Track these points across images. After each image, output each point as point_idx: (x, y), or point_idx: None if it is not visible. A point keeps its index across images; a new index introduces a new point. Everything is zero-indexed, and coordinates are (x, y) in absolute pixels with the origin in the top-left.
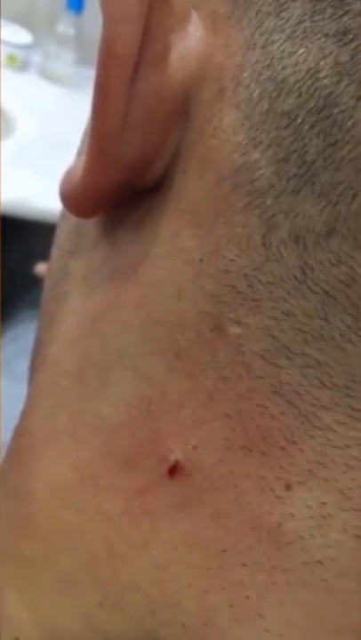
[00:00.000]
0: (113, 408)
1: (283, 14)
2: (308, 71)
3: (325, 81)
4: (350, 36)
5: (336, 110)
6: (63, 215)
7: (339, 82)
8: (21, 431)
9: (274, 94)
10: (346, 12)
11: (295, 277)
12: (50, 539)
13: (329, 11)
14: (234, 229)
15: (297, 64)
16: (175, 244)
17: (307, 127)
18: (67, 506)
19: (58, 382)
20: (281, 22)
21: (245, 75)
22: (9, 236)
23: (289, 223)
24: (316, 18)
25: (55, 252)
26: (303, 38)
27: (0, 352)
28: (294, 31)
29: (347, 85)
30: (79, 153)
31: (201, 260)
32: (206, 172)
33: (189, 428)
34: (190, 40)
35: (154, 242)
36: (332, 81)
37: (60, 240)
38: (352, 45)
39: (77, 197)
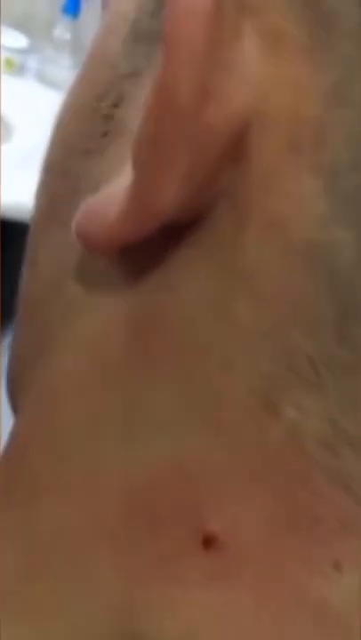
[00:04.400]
0: (141, 467)
1: None
2: None
3: None
4: None
5: None
6: (47, 231)
7: None
8: (17, 462)
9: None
10: None
11: None
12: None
13: None
14: (303, 309)
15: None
16: (225, 309)
17: None
18: (78, 556)
19: (61, 425)
20: None
21: (332, 134)
22: (8, 240)
23: None
24: None
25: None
26: None
27: (0, 356)
28: None
29: None
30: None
31: (257, 335)
32: (273, 237)
33: (229, 501)
34: (245, 62)
35: (197, 299)
36: None
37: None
38: None
39: (110, 241)
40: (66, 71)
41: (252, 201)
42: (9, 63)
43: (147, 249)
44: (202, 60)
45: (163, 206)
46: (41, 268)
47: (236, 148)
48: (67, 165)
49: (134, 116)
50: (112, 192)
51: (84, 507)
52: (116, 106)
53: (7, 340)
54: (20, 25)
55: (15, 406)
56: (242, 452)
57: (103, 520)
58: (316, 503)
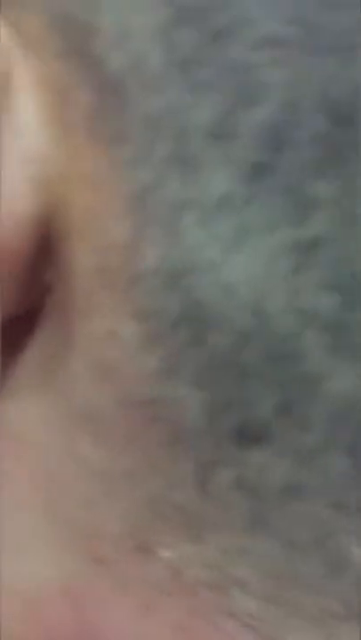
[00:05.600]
0: (31, 585)
1: (201, 179)
2: (253, 302)
3: (281, 323)
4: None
5: (303, 363)
6: None
7: (301, 326)
8: None
9: (197, 324)
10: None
11: (249, 522)
12: None
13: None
14: (155, 461)
15: (229, 290)
16: (71, 447)
17: (257, 376)
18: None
19: None
20: (196, 192)
21: (144, 266)
22: None
23: (235, 473)
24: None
25: None
26: (241, 242)
27: None
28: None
29: (315, 333)
30: None
31: (114, 478)
32: (105, 384)
33: (127, 628)
34: (23, 135)
35: (42, 426)
36: (293, 323)
37: None
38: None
39: None
40: None
41: (73, 323)
42: None
43: None
44: None
45: None
46: None
47: (48, 253)
48: None
49: None
50: None
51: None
52: None
53: None
54: None
55: None
56: (128, 586)
57: (5, 625)
58: (216, 636)
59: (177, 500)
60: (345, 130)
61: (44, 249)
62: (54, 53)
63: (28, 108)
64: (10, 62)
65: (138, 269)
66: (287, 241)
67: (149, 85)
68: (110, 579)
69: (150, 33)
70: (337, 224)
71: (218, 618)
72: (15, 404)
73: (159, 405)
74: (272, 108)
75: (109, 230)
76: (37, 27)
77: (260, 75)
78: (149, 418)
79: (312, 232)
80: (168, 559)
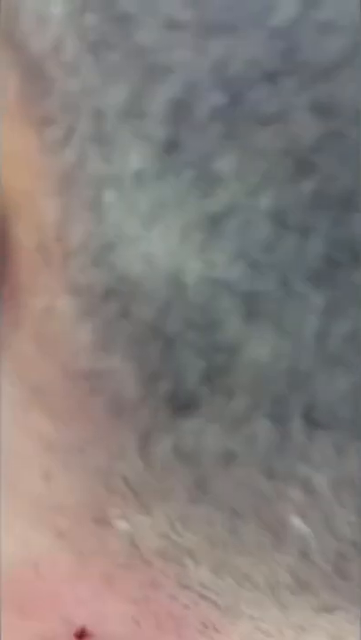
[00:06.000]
0: (5, 561)
1: (118, 157)
2: (172, 274)
3: (198, 293)
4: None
5: (221, 331)
6: None
7: (216, 295)
8: None
9: (125, 295)
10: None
11: (190, 490)
12: None
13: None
14: (101, 434)
15: (149, 263)
16: (26, 422)
17: (181, 346)
18: None
19: None
20: (115, 170)
21: (75, 242)
22: None
23: (172, 440)
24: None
25: None
26: (156, 215)
27: None
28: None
29: (229, 302)
30: None
31: (66, 450)
32: (51, 354)
33: (91, 601)
34: None
35: (0, 409)
36: (208, 293)
37: None
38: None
39: None
40: None
41: (20, 300)
42: None
43: None
44: None
45: None
46: None
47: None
48: None
49: None
50: None
51: None
52: None
53: None
54: None
55: None
56: (88, 559)
57: None
58: (174, 607)
59: (125, 470)
60: (240, 105)
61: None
62: None
63: None
64: None
65: (70, 246)
66: (197, 214)
67: (67, 69)
68: (73, 553)
69: (65, 19)
70: (240, 196)
71: (174, 590)
72: None
73: (98, 377)
74: (175, 88)
75: (43, 210)
76: None
77: (163, 56)
78: (90, 390)
79: (218, 205)
80: (124, 531)
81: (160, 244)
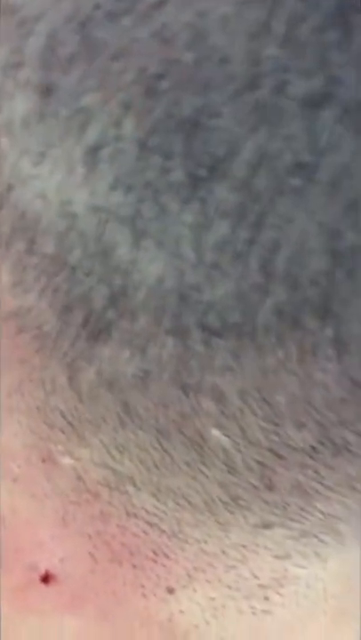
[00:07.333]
0: None
1: (7, 106)
2: (63, 207)
3: (87, 223)
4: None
5: (115, 256)
6: None
7: (104, 222)
8: None
9: (27, 233)
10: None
11: (119, 416)
12: None
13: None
14: (33, 371)
15: (43, 198)
16: None
17: (83, 274)
18: None
19: None
20: (6, 117)
21: None
22: None
23: (94, 368)
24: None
25: None
26: (44, 154)
27: None
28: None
29: (116, 227)
30: None
31: (8, 396)
32: None
33: (50, 543)
34: None
35: None
36: (96, 222)
37: None
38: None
39: None
40: None
41: None
42: None
43: None
44: None
45: None
46: None
47: None
48: None
49: None
50: None
51: None
52: None
53: None
54: None
55: None
56: (43, 501)
57: None
58: (125, 537)
59: (59, 405)
60: (93, 45)
61: None
62: None
63: None
64: None
65: None
66: (75, 150)
67: None
68: (28, 496)
69: None
70: (108, 128)
71: (122, 520)
72: None
73: (21, 316)
74: (40, 38)
75: None
76: None
77: (26, 11)
78: (17, 329)
79: (90, 140)
80: (69, 466)
81: (50, 180)
